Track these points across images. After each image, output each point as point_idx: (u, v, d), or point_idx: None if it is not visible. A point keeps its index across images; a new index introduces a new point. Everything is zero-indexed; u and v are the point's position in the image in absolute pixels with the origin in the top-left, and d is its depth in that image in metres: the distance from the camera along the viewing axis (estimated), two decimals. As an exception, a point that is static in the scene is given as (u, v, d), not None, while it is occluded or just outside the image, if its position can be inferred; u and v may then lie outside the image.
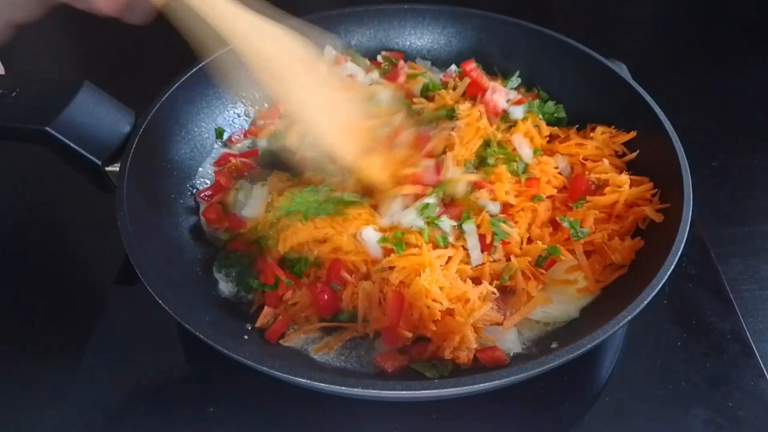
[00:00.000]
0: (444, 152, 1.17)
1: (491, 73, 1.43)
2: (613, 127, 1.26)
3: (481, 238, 1.07)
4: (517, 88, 1.38)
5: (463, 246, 1.07)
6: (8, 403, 1.04)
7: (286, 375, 0.81)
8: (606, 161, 1.18)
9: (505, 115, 1.27)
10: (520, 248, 1.08)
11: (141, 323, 1.10)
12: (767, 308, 1.20)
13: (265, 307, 1.03)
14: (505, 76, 1.42)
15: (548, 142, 1.27)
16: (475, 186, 1.13)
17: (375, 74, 1.42)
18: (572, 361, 0.83)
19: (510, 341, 0.99)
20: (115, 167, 1.06)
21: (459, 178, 1.12)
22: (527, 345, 1.01)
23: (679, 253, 0.94)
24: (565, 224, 1.08)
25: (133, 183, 1.04)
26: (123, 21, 1.11)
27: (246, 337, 0.99)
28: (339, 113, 1.13)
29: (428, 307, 0.96)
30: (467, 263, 1.06)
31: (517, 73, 1.40)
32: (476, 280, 1.03)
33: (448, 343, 0.94)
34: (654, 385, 1.03)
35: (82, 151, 1.04)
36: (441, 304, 0.96)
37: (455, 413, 0.99)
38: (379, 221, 1.07)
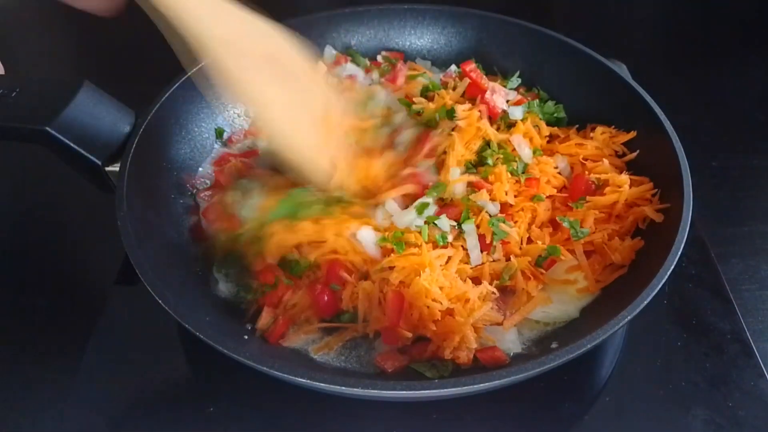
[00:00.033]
0: (444, 152, 1.17)
1: (491, 73, 1.43)
2: (613, 127, 1.26)
3: (481, 238, 1.07)
4: (516, 88, 1.38)
5: (462, 246, 1.07)
6: (8, 403, 1.04)
7: (286, 375, 0.81)
8: (606, 161, 1.18)
9: (504, 116, 1.27)
10: (520, 248, 1.08)
11: (141, 323, 1.10)
12: (767, 308, 1.20)
13: (265, 308, 1.03)
14: (505, 76, 1.42)
15: (548, 142, 1.27)
16: (475, 186, 1.13)
17: (375, 75, 1.42)
18: (572, 361, 0.83)
19: (510, 341, 0.99)
20: (115, 167, 1.06)
21: (456, 179, 1.12)
22: (527, 345, 1.01)
23: (679, 253, 0.94)
24: (565, 224, 1.08)
25: (133, 183, 1.04)
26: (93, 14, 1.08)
27: (246, 337, 0.99)
28: (310, 113, 1.06)
29: (428, 307, 0.96)
30: (467, 263, 1.06)
31: (517, 73, 1.40)
32: (476, 280, 1.03)
33: (448, 343, 0.94)
34: (654, 385, 1.03)
35: (82, 151, 1.05)
36: (441, 304, 0.96)
37: (455, 413, 0.99)
38: (375, 221, 1.07)
